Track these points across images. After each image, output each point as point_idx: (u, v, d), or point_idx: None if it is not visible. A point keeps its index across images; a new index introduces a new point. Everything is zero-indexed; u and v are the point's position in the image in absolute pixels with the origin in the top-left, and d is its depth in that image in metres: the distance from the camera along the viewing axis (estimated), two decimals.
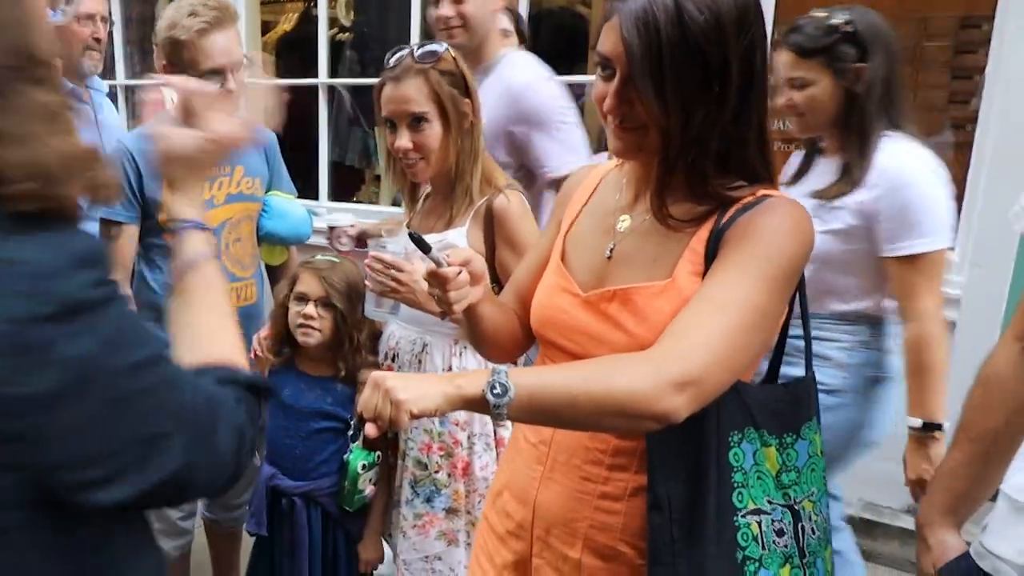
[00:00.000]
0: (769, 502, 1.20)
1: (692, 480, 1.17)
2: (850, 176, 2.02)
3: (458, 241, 1.89)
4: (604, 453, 1.25)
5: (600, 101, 1.18)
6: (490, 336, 1.41)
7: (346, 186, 5.08)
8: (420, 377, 1.11)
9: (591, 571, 1.27)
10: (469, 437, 1.98)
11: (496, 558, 1.42)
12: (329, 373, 2.19)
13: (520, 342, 1.47)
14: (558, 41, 4.68)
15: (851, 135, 2.04)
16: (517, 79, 2.51)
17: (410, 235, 1.23)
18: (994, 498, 1.20)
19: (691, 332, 1.07)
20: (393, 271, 1.76)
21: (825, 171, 2.12)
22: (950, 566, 1.26)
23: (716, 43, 1.07)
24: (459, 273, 1.26)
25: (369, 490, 2.12)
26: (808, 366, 1.29)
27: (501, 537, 1.41)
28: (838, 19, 2.03)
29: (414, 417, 1.02)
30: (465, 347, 1.97)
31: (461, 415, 1.96)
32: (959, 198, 3.02)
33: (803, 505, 1.23)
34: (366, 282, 1.83)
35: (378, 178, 5.07)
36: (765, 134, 1.19)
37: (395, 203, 4.91)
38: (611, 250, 1.28)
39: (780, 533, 1.20)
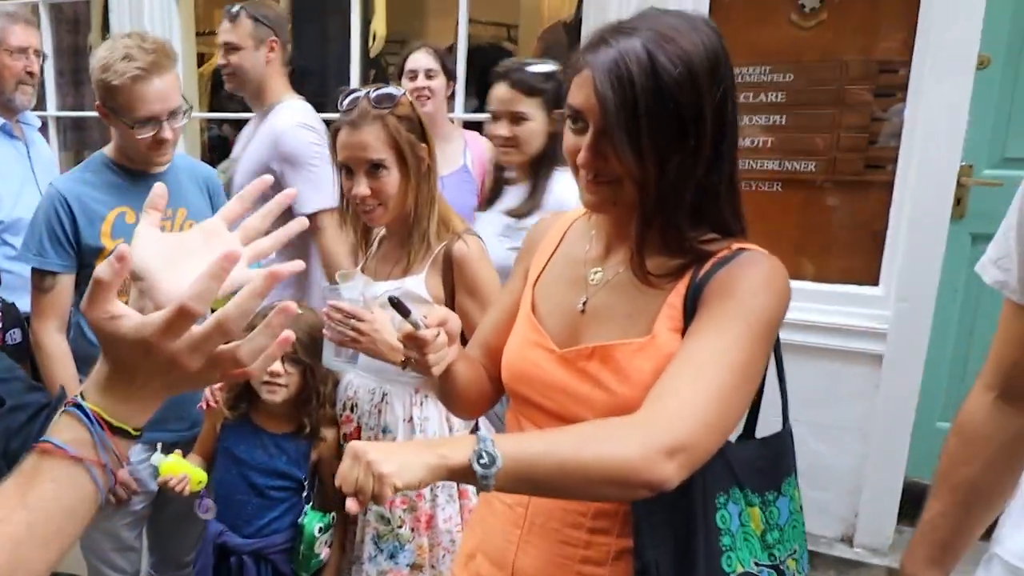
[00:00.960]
0: (756, 564, 1.15)
1: (680, 545, 1.11)
2: (535, 200, 2.35)
3: (416, 288, 1.81)
4: (584, 516, 1.19)
5: (572, 154, 1.12)
6: (461, 393, 1.33)
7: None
8: (400, 447, 1.02)
9: None
10: (432, 489, 1.88)
11: None
12: (287, 429, 2.06)
13: (489, 397, 1.39)
14: (485, 76, 4.63)
15: (542, 167, 2.36)
16: (280, 123, 2.57)
17: (390, 299, 1.14)
18: (986, 537, 1.16)
19: (678, 395, 1.01)
20: (353, 320, 1.67)
21: (514, 196, 2.45)
22: None
23: (690, 94, 1.03)
24: (438, 335, 1.18)
25: (325, 553, 2.01)
26: (785, 419, 1.25)
27: None
28: (553, 68, 2.36)
29: (397, 490, 0.93)
30: (427, 396, 1.89)
31: None
32: (882, 235, 3.09)
33: (787, 564, 1.18)
34: (324, 331, 1.73)
35: None
36: (736, 185, 1.15)
37: None
38: (584, 304, 1.22)
39: None
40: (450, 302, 1.83)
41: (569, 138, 1.13)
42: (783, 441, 1.22)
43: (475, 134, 3.27)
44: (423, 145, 1.84)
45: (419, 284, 1.83)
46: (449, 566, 1.87)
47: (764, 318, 1.08)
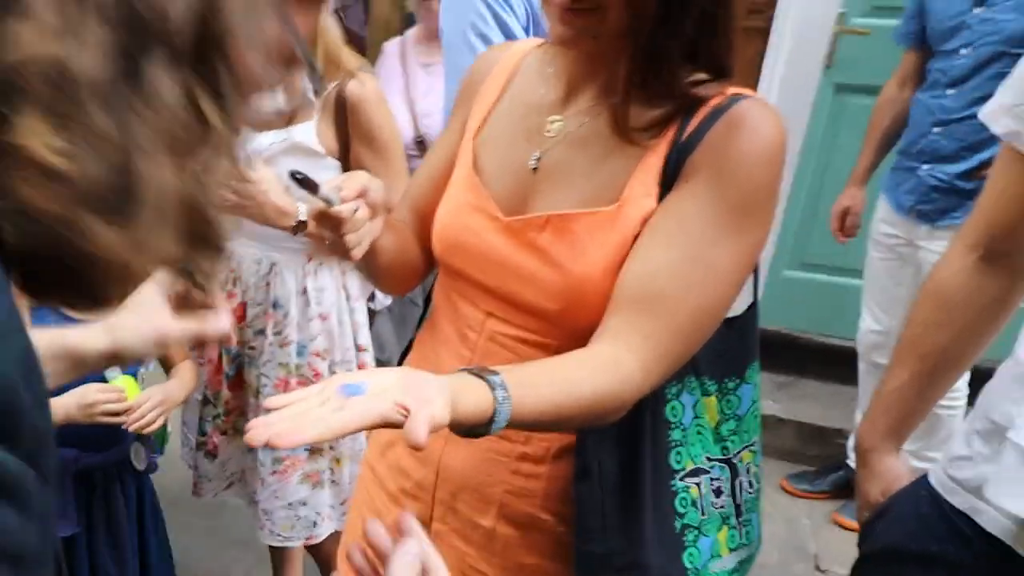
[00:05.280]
0: (708, 459, 0.96)
1: (625, 442, 0.91)
2: None
3: (306, 139, 1.46)
4: None
5: None
6: (386, 269, 1.05)
7: None
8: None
9: (506, 541, 0.99)
10: (330, 367, 1.59)
11: (386, 518, 1.11)
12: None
13: (419, 270, 1.11)
14: None
15: None
16: None
17: (291, 175, 0.83)
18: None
19: (668, 329, 0.83)
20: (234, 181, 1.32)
21: None
22: (904, 494, 1.08)
23: None
24: (356, 210, 0.88)
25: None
26: (755, 295, 1.02)
27: (393, 495, 1.09)
28: None
29: None
30: (320, 264, 1.57)
31: (320, 343, 1.59)
32: (756, 79, 2.91)
33: (741, 457, 1.00)
34: None
35: None
36: (734, 15, 0.86)
37: None
38: (537, 160, 0.93)
39: (718, 492, 0.97)
40: (344, 153, 1.49)
41: None
42: (750, 320, 1.01)
43: None
44: None
45: (308, 133, 1.47)
46: (349, 445, 1.64)
47: (771, 209, 0.85)
